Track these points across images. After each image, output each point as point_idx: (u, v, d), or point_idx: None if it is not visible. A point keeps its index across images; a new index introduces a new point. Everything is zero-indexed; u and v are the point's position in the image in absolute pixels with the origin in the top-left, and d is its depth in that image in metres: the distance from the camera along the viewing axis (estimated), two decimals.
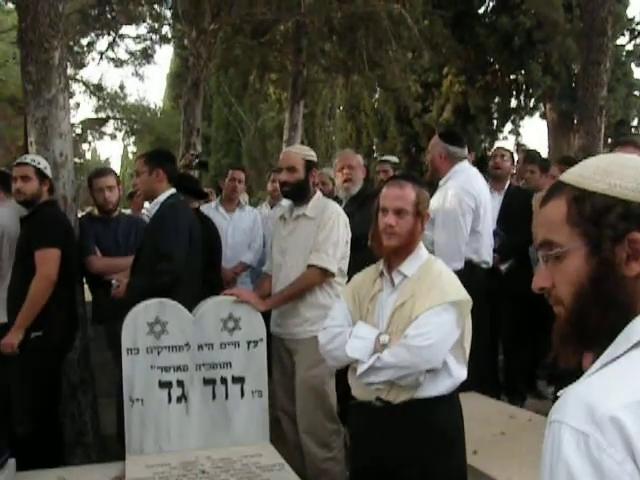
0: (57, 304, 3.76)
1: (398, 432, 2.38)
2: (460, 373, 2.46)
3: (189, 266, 3.61)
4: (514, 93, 13.06)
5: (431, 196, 4.56)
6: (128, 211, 6.43)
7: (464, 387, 3.88)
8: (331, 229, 3.55)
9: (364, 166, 4.95)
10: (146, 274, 3.59)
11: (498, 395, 4.87)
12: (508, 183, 5.47)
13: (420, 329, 2.31)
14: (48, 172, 3.97)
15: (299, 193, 3.69)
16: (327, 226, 3.55)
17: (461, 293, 2.43)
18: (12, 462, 3.21)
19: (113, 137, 19.38)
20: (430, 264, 2.52)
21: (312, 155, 3.80)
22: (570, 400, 0.94)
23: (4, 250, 4.09)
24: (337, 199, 4.82)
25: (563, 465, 0.90)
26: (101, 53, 11.83)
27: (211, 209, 5.40)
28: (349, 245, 3.66)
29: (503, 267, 5.04)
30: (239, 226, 5.44)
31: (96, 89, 15.72)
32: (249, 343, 3.42)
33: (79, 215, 4.63)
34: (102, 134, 19.71)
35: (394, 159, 6.59)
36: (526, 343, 5.40)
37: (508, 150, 5.67)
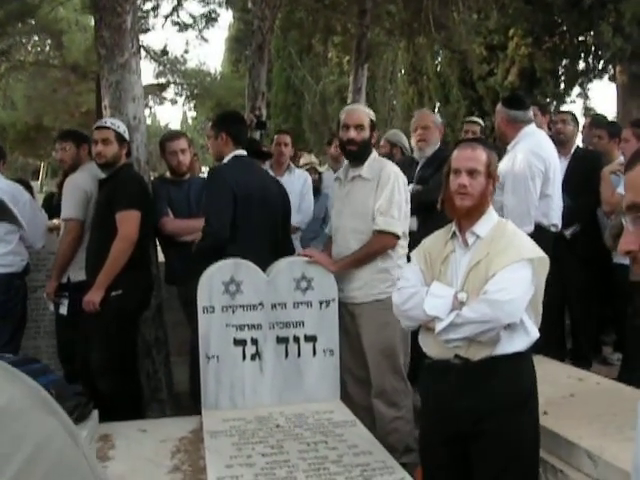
0: (136, 264, 3.89)
1: (476, 388, 2.42)
2: (534, 331, 2.49)
3: (245, 227, 3.65)
4: (582, 55, 12.59)
5: (499, 160, 4.56)
6: (203, 174, 6.52)
7: (532, 350, 3.91)
8: (392, 190, 3.53)
9: (442, 126, 4.83)
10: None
11: (563, 360, 4.84)
12: (575, 147, 5.34)
13: (500, 284, 2.35)
14: (126, 135, 4.08)
15: (364, 152, 3.67)
16: (388, 187, 3.53)
17: (537, 251, 2.47)
18: (95, 413, 3.38)
19: (174, 102, 19.62)
20: (502, 225, 2.55)
21: (373, 114, 3.80)
22: None
23: (89, 213, 4.24)
24: (413, 160, 4.79)
25: None
26: (165, 17, 11.92)
27: None
28: (409, 205, 3.65)
29: (567, 232, 4.95)
30: (289, 189, 5.46)
31: (160, 54, 15.85)
32: (321, 303, 3.49)
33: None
34: (163, 99, 19.94)
35: (479, 120, 6.46)
36: (593, 309, 5.34)
37: (570, 113, 5.52)
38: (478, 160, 2.51)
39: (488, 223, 2.53)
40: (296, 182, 5.55)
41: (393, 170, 3.62)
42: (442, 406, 2.52)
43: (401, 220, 3.55)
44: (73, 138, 4.59)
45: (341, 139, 3.70)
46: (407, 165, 4.68)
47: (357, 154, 3.68)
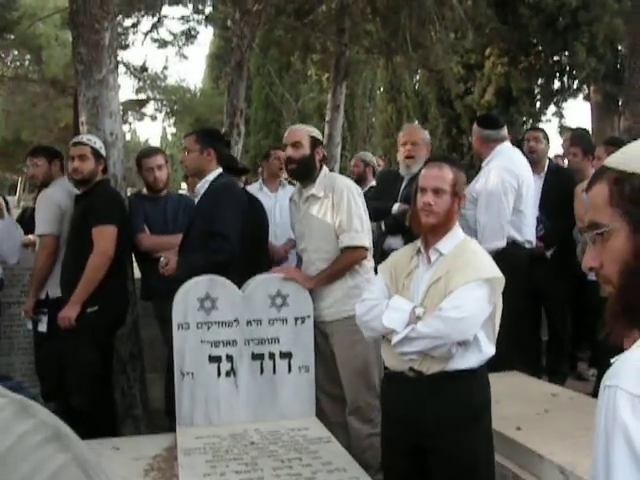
0: (112, 280, 3.88)
1: (428, 402, 2.48)
2: (489, 349, 2.55)
3: (241, 245, 3.67)
4: (557, 75, 12.82)
5: (473, 178, 4.62)
6: (183, 191, 6.51)
7: (507, 366, 3.94)
8: (349, 204, 3.53)
9: (429, 144, 4.75)
10: (202, 252, 3.62)
11: (539, 376, 4.88)
12: (547, 162, 5.40)
13: (454, 302, 2.41)
14: (103, 152, 4.07)
15: (305, 170, 3.67)
16: (344, 202, 3.53)
17: (494, 271, 2.52)
18: None
19: (153, 118, 19.54)
20: (466, 244, 2.62)
21: (317, 132, 3.81)
22: (625, 366, 0.98)
23: (64, 228, 4.22)
24: (397, 175, 4.73)
25: (620, 428, 0.94)
26: (145, 34, 11.95)
27: (256, 190, 5.46)
28: (367, 214, 3.65)
29: (548, 254, 5.03)
30: (285, 204, 5.49)
31: (140, 70, 15.87)
32: (296, 319, 3.50)
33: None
34: (142, 115, 19.91)
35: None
36: (567, 325, 5.41)
37: (541, 130, 5.58)
38: (444, 179, 2.58)
39: (452, 240, 2.59)
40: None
41: (345, 183, 3.64)
42: (399, 418, 2.58)
43: (365, 231, 3.57)
44: (45, 154, 4.58)
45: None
46: (392, 180, 4.68)
47: (297, 172, 3.73)
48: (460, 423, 2.46)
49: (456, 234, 2.63)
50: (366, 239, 3.56)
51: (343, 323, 3.54)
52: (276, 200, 5.48)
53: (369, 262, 3.64)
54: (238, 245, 3.60)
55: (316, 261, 3.62)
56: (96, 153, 4.01)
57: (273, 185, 5.59)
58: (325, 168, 3.77)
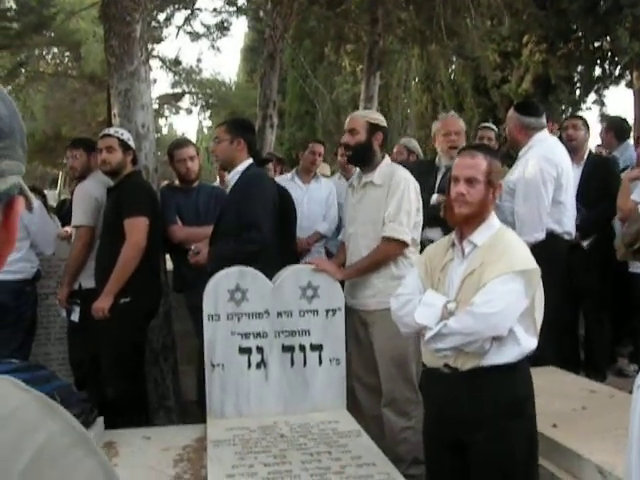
0: (144, 271, 3.88)
1: (465, 398, 2.42)
2: (529, 343, 2.45)
3: (271, 236, 3.65)
4: (598, 61, 12.51)
5: (510, 167, 4.50)
6: (217, 182, 6.53)
7: (544, 362, 3.84)
8: (401, 197, 3.49)
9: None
10: (232, 242, 3.62)
11: (577, 372, 4.76)
12: (588, 152, 5.26)
13: (486, 297, 2.34)
14: (131, 143, 4.08)
15: (361, 156, 3.66)
16: (397, 194, 3.49)
17: (529, 262, 2.43)
18: (100, 420, 3.38)
19: (189, 112, 19.74)
20: (501, 234, 2.53)
21: (377, 119, 3.72)
22: None
23: (100, 220, 4.25)
24: (432, 165, 4.65)
25: None
26: (178, 27, 12.02)
27: (287, 180, 5.45)
28: (421, 213, 3.61)
29: (585, 244, 4.89)
30: (315, 197, 5.47)
31: (173, 64, 16.00)
32: (327, 311, 3.46)
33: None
34: (178, 109, 20.10)
35: (494, 127, 6.37)
36: (607, 320, 5.25)
37: (581, 118, 5.44)
38: (477, 168, 2.50)
39: (487, 231, 2.52)
40: (323, 190, 5.56)
41: (404, 176, 3.57)
42: (437, 414, 2.55)
43: (410, 227, 3.51)
44: (84, 146, 4.61)
45: None
46: (424, 171, 4.54)
47: (353, 158, 3.73)
48: (499, 418, 2.39)
49: (491, 224, 2.54)
50: (408, 234, 3.49)
51: (384, 313, 3.47)
52: (306, 192, 5.47)
53: (414, 255, 3.57)
54: (269, 236, 3.57)
55: (362, 248, 3.58)
56: (123, 144, 4.02)
57: (306, 177, 5.58)
58: (387, 158, 3.73)
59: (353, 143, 3.63)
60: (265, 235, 3.57)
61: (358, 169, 3.83)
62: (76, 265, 4.29)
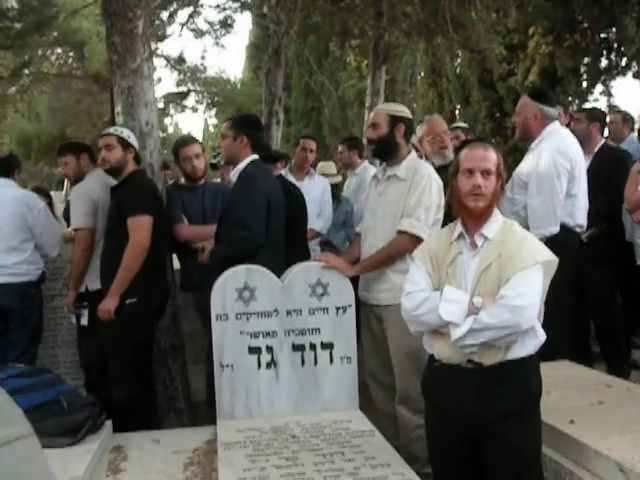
0: (150, 271, 3.82)
1: (488, 393, 2.40)
2: (542, 333, 2.49)
3: (271, 233, 3.60)
4: (605, 52, 12.39)
5: (520, 159, 4.41)
6: (217, 180, 6.48)
7: (558, 356, 3.76)
8: (422, 192, 3.44)
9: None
10: (225, 241, 3.61)
11: (591, 365, 4.67)
12: (600, 144, 5.17)
13: (517, 289, 2.33)
14: (132, 141, 4.01)
15: (384, 149, 3.63)
16: (418, 189, 3.44)
17: (549, 253, 2.45)
18: (109, 424, 3.32)
19: (194, 110, 19.69)
20: (509, 226, 2.52)
21: (398, 110, 3.68)
22: None
23: (99, 220, 4.20)
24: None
25: None
26: (182, 25, 11.96)
27: None
28: (442, 211, 3.54)
29: (584, 236, 4.79)
30: (309, 194, 5.39)
31: (177, 62, 15.96)
32: (338, 309, 3.39)
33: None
34: (184, 107, 20.05)
35: (464, 124, 6.38)
36: (616, 312, 5.15)
37: (583, 110, 5.39)
38: (490, 160, 2.49)
39: (495, 224, 2.50)
40: (316, 187, 5.51)
41: (427, 172, 3.53)
42: (453, 409, 2.48)
43: (428, 224, 3.44)
44: (71, 150, 4.59)
45: None
46: None
47: (377, 151, 3.75)
48: (523, 408, 2.41)
49: (497, 217, 2.53)
50: (425, 231, 3.42)
51: (399, 308, 3.43)
52: (301, 188, 5.42)
53: None
54: (260, 233, 3.53)
55: (380, 241, 3.53)
56: (123, 142, 3.95)
57: (300, 174, 5.55)
58: (414, 152, 3.71)
59: (375, 137, 3.62)
60: (254, 233, 3.52)
61: (383, 163, 3.80)
62: (79, 269, 4.25)
